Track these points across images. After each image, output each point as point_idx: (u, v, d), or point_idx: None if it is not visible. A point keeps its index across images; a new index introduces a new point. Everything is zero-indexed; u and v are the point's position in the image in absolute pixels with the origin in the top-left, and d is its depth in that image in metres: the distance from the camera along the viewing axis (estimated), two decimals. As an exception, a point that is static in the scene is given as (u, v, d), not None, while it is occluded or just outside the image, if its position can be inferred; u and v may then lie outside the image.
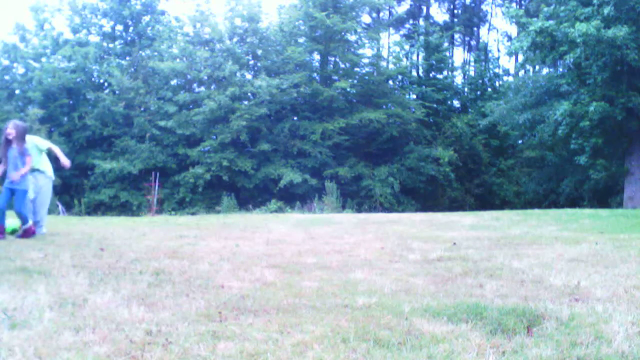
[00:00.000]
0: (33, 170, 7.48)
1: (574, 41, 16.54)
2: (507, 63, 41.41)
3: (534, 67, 27.14)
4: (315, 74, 25.72)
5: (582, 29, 15.72)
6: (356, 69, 26.34)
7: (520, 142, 28.76)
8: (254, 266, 5.07)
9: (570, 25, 16.81)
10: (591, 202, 22.12)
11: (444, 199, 25.42)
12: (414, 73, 31.27)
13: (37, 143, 7.74)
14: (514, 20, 20.72)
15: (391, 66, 29.66)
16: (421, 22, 35.97)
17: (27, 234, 7.06)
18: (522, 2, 34.10)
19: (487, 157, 28.09)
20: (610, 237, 7.38)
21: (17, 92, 24.42)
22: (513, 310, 3.31)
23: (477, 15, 37.81)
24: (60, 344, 2.66)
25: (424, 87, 29.10)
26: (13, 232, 7.32)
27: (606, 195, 22.29)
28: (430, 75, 30.35)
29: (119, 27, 27.10)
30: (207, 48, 24.06)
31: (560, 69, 22.55)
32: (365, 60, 26.70)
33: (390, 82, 28.33)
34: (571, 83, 19.16)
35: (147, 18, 26.95)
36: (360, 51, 26.68)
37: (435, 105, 27.47)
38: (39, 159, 7.67)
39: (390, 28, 34.93)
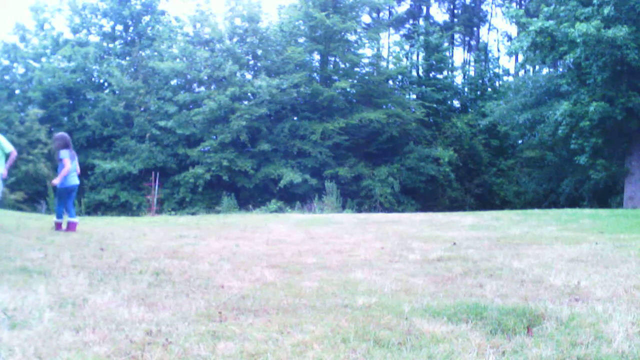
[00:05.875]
0: None
1: (574, 41, 16.54)
2: (507, 63, 41.40)
3: (534, 67, 27.14)
4: (315, 74, 25.71)
5: (582, 29, 15.71)
6: (356, 69, 26.34)
7: (520, 142, 28.74)
8: (254, 266, 5.07)
9: (570, 25, 16.80)
10: (591, 202, 22.08)
11: (444, 199, 25.40)
12: (414, 73, 31.25)
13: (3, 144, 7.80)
14: (514, 20, 20.72)
15: (391, 66, 29.64)
16: (421, 22, 35.95)
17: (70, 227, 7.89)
18: (522, 2, 34.09)
19: (487, 157, 28.07)
20: (610, 237, 7.38)
21: (17, 92, 24.42)
22: (513, 310, 3.31)
23: (477, 15, 37.79)
24: (60, 344, 2.66)
25: (424, 87, 29.10)
26: None
27: (606, 195, 22.27)
28: (430, 75, 30.34)
29: (119, 27, 27.11)
30: (207, 48, 24.06)
31: (560, 69, 22.54)
32: (365, 60, 26.71)
33: (390, 82, 28.32)
34: (571, 83, 19.15)
35: (147, 18, 26.96)
36: (360, 51, 26.69)
37: (435, 105, 27.46)
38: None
39: (390, 28, 34.90)
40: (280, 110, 23.58)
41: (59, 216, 7.99)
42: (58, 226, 7.93)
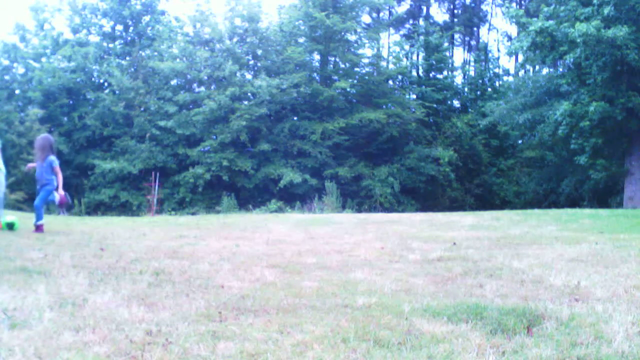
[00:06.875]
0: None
1: (574, 41, 16.55)
2: (507, 63, 41.46)
3: (534, 67, 27.16)
4: (315, 74, 25.72)
5: (582, 29, 15.72)
6: (356, 69, 26.36)
7: (520, 142, 28.77)
8: (254, 266, 5.07)
9: (570, 25, 16.81)
10: (591, 202, 22.09)
11: (444, 199, 25.41)
12: (414, 73, 31.28)
13: None
14: (514, 20, 20.73)
15: (391, 66, 29.66)
16: (421, 22, 35.98)
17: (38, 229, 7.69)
18: (522, 2, 34.11)
19: (487, 157, 28.08)
20: (610, 237, 7.38)
21: (17, 92, 24.41)
22: (513, 310, 3.31)
23: (477, 15, 37.82)
24: (60, 344, 2.66)
25: (424, 87, 29.11)
26: (11, 226, 7.69)
27: (606, 195, 22.27)
28: (430, 75, 30.36)
29: (119, 27, 27.11)
30: (207, 48, 24.07)
31: (560, 69, 22.57)
32: (365, 60, 26.72)
33: (390, 82, 28.34)
34: (571, 83, 19.16)
35: (147, 18, 26.95)
36: (360, 51, 26.70)
37: (435, 105, 27.47)
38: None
39: (390, 28, 34.93)
40: (280, 110, 23.59)
41: (41, 217, 7.80)
42: (40, 228, 7.74)
